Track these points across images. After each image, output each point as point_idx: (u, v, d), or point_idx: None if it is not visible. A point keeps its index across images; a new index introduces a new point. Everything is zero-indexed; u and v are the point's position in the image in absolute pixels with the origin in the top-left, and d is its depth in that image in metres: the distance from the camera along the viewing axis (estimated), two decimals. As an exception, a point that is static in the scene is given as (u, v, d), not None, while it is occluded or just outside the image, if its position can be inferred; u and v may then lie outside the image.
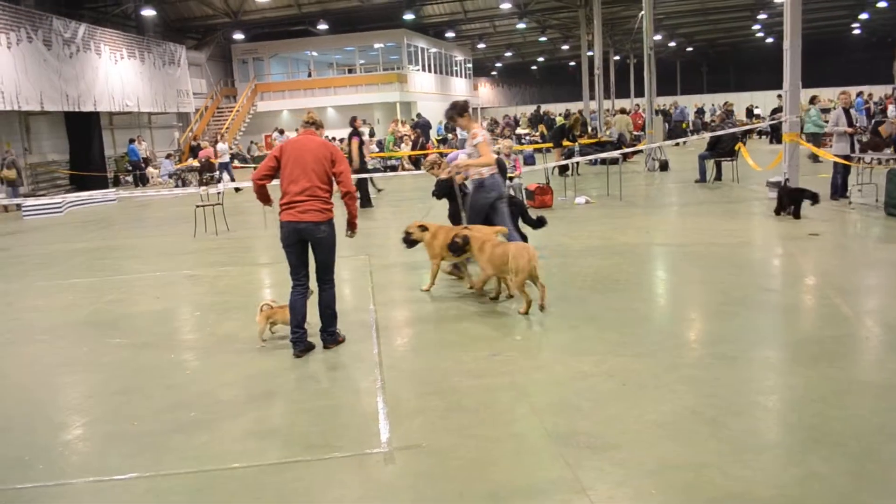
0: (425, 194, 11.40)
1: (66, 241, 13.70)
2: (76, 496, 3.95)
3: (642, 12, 21.41)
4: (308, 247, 5.83)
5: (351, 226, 6.01)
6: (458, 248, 7.15)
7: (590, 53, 36.09)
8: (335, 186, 5.86)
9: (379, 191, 18.46)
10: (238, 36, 37.91)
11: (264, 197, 6.06)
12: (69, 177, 26.01)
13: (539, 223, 9.31)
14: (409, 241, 7.78)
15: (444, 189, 9.53)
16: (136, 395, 5.30)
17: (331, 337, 5.97)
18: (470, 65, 55.12)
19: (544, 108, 45.77)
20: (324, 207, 5.73)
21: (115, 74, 27.21)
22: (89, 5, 29.46)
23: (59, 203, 18.96)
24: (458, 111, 7.84)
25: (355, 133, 15.74)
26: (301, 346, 5.83)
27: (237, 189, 18.46)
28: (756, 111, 38.57)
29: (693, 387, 4.77)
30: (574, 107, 40.09)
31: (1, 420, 5.03)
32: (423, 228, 7.73)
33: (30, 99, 22.09)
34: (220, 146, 22.88)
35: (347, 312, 7.17)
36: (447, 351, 5.76)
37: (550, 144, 21.64)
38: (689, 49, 60.16)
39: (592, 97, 35.37)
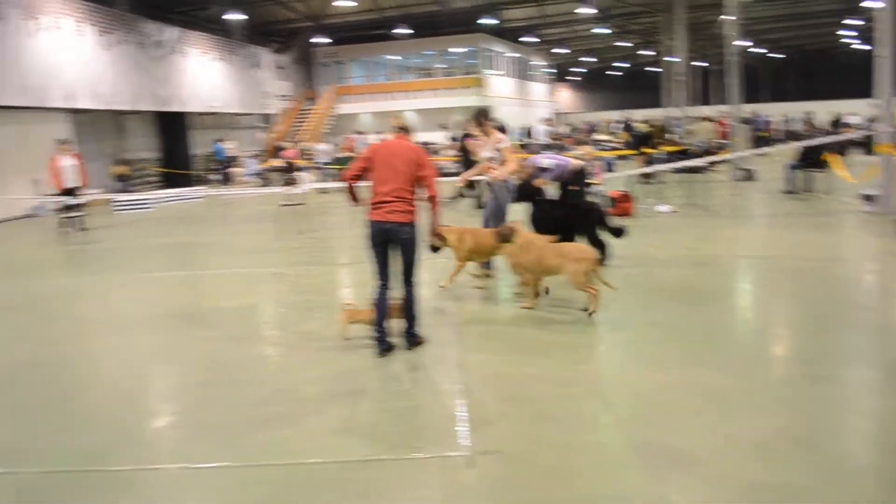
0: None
1: (156, 236, 14.22)
2: (168, 481, 4.11)
3: (726, 17, 20.91)
4: (392, 247, 5.91)
5: (435, 230, 6.19)
6: (505, 238, 7.13)
7: (672, 59, 35.45)
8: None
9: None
10: (320, 39, 38.63)
11: (353, 196, 6.17)
12: (159, 174, 26.97)
13: (618, 232, 9.18)
14: (434, 248, 7.61)
15: (525, 193, 9.51)
16: (224, 387, 5.46)
17: (412, 338, 6.03)
18: (549, 69, 54.85)
19: (624, 114, 45.14)
20: (409, 209, 5.83)
21: (202, 76, 28.10)
22: (180, 9, 30.48)
23: (150, 199, 19.68)
24: (480, 118, 8.19)
25: (469, 134, 16.03)
26: (383, 346, 5.91)
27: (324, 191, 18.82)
28: (849, 119, 37.08)
29: (784, 405, 4.64)
30: (654, 113, 39.44)
31: (98, 406, 5.26)
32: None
33: (124, 99, 23.01)
34: (322, 146, 23.29)
35: (428, 315, 7.23)
36: (529, 357, 5.74)
37: (633, 151, 21.33)
38: (775, 55, 58.41)
39: (674, 104, 34.70)
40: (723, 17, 20.64)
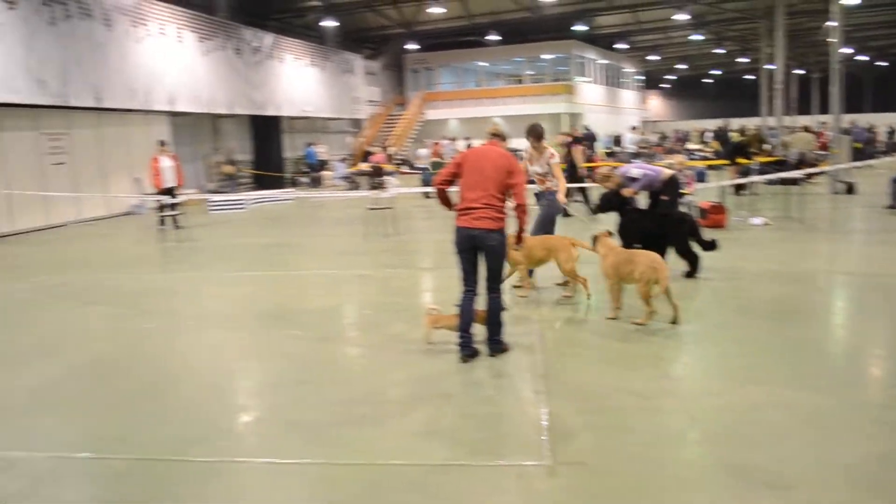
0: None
1: (248, 236, 14.67)
2: (255, 474, 4.22)
3: (830, 23, 20.11)
4: (479, 254, 5.91)
5: (519, 239, 6.07)
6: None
7: (770, 66, 34.35)
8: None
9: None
10: (411, 46, 39.12)
11: (445, 201, 6.19)
12: (252, 176, 27.83)
13: (710, 246, 8.94)
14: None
15: (611, 203, 9.37)
16: (311, 386, 5.58)
17: (496, 345, 6.01)
18: (640, 77, 53.99)
19: (719, 123, 43.96)
20: (497, 216, 5.81)
21: (296, 81, 28.84)
22: (276, 16, 31.39)
23: (243, 200, 20.32)
24: (536, 135, 8.46)
25: (577, 140, 16.08)
26: (467, 352, 5.92)
27: (427, 195, 19.10)
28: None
29: (881, 428, 4.42)
30: (750, 122, 38.27)
31: (190, 399, 5.45)
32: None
33: (221, 103, 23.83)
34: (422, 151, 23.58)
35: (513, 322, 7.21)
36: (614, 368, 5.65)
37: (725, 161, 20.75)
38: (881, 63, 55.85)
39: (771, 113, 33.59)
40: (828, 23, 19.84)
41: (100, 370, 6.22)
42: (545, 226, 8.47)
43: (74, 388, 5.75)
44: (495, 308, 5.96)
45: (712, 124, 45.23)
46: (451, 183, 6.07)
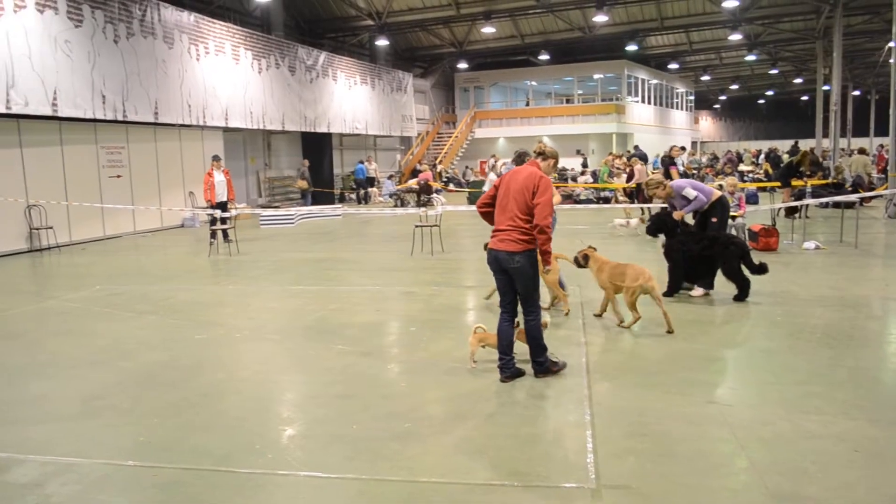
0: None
1: (296, 251, 14.87)
2: (298, 488, 4.25)
3: (890, 44, 19.67)
4: (510, 278, 5.87)
5: (543, 260, 5.84)
6: (580, 264, 7.97)
7: (826, 88, 33.75)
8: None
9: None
10: (461, 65, 39.40)
11: (489, 221, 6.16)
12: (301, 192, 28.24)
13: (760, 269, 8.77)
14: None
15: (660, 224, 9.27)
16: (355, 400, 5.62)
17: (540, 367, 5.96)
18: (692, 97, 53.49)
19: (770, 144, 43.26)
20: (520, 238, 5.72)
21: (347, 99, 29.25)
22: (330, 35, 31.97)
23: (292, 215, 20.63)
24: (522, 161, 8.36)
25: (672, 161, 16.07)
26: (507, 373, 5.90)
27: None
28: None
29: (942, 463, 4.27)
30: (804, 144, 37.63)
31: (237, 410, 5.53)
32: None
33: (273, 119, 24.28)
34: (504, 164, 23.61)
35: (557, 343, 7.18)
36: (659, 392, 5.57)
37: (777, 184, 20.39)
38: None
39: (826, 134, 32.96)
40: (891, 44, 19.41)
41: (151, 379, 6.35)
42: None
43: (126, 396, 5.88)
44: (531, 330, 5.91)
45: (762, 146, 44.55)
46: (491, 206, 6.04)
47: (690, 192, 9.04)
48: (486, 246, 6.21)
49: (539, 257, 5.80)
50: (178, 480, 4.32)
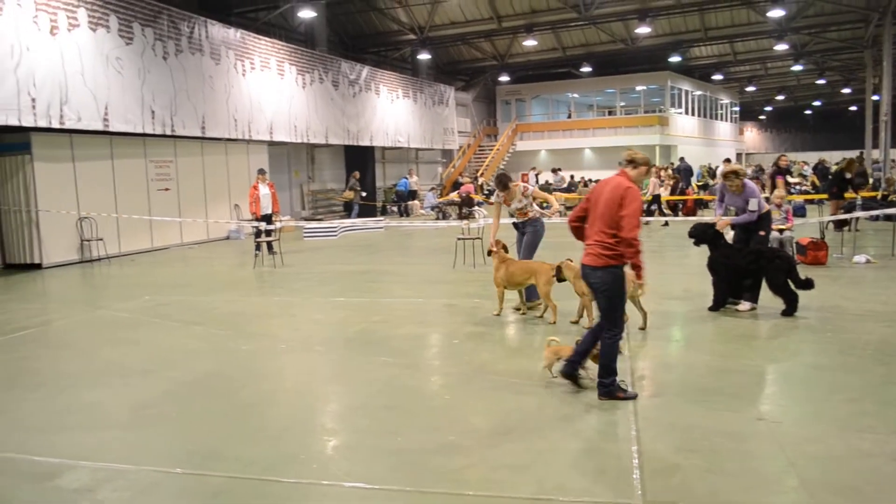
0: (681, 240, 11.05)
1: (340, 263, 14.99)
2: (343, 498, 4.28)
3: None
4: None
5: (636, 276, 5.71)
6: (560, 278, 8.19)
7: (875, 97, 33.07)
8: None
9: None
10: (503, 78, 39.45)
11: (580, 237, 6.05)
12: (343, 204, 28.52)
13: (806, 284, 8.58)
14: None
15: (702, 236, 9.13)
16: (399, 412, 5.64)
17: (603, 388, 5.73)
18: (737, 108, 52.78)
19: (818, 155, 42.49)
20: (602, 252, 5.60)
21: (390, 112, 29.48)
22: (373, 50, 32.31)
23: (335, 227, 20.82)
24: (503, 185, 8.96)
25: (780, 171, 15.94)
26: (566, 369, 5.83)
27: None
28: None
29: None
30: (852, 155, 36.84)
31: (283, 420, 5.59)
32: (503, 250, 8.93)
33: (317, 133, 24.57)
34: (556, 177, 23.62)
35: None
36: (708, 408, 5.48)
37: (825, 196, 20.00)
38: None
39: (876, 145, 32.25)
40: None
41: (198, 388, 6.46)
42: (530, 251, 9.22)
43: (174, 405, 5.99)
44: (604, 348, 5.72)
45: (812, 157, 43.75)
46: (582, 219, 5.93)
47: (754, 205, 8.74)
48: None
49: (614, 272, 5.66)
50: (225, 489, 4.38)
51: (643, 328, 7.95)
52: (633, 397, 5.72)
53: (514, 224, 9.57)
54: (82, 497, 4.32)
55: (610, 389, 5.71)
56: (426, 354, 7.63)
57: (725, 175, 9.04)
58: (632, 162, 5.81)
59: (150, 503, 4.24)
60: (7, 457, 4.96)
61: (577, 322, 8.34)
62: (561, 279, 8.21)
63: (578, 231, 6.01)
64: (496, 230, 9.17)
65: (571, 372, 5.89)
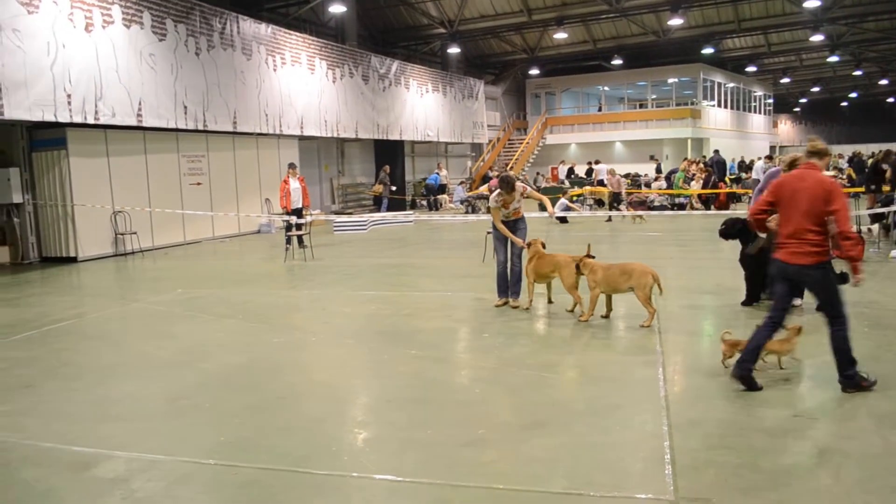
0: (713, 234, 10.90)
1: (369, 257, 15.05)
2: (374, 490, 4.29)
3: None
4: (794, 288, 5.78)
5: (852, 270, 5.58)
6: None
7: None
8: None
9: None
10: (533, 71, 39.26)
11: (762, 229, 6.13)
12: (373, 198, 28.62)
13: (841, 279, 8.40)
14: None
15: (733, 230, 9.00)
16: (430, 405, 5.65)
17: (849, 381, 5.58)
18: (770, 100, 52.01)
19: (854, 148, 41.78)
20: (811, 250, 5.48)
21: (419, 106, 29.50)
22: (403, 44, 32.33)
23: (365, 221, 20.90)
24: (510, 187, 8.95)
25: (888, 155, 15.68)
26: (737, 371, 5.66)
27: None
28: None
29: None
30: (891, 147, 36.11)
31: (314, 412, 5.63)
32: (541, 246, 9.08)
33: (347, 128, 24.67)
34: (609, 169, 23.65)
35: (633, 351, 7.08)
36: (742, 404, 5.41)
37: (861, 189, 19.64)
38: None
39: (915, 138, 31.59)
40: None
41: (230, 381, 6.52)
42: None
43: (207, 397, 6.05)
44: (838, 342, 5.58)
45: (847, 150, 43.05)
46: (767, 213, 5.87)
47: None
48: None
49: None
50: (257, 480, 4.42)
51: (646, 325, 7.85)
52: (874, 383, 5.62)
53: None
54: (117, 487, 4.38)
55: (854, 380, 5.58)
56: (456, 348, 7.64)
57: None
58: (817, 153, 5.71)
59: (183, 493, 4.29)
60: (46, 446, 5.05)
61: (606, 316, 8.31)
62: (581, 273, 8.24)
63: (761, 223, 6.07)
64: (505, 229, 9.22)
65: (743, 374, 5.66)
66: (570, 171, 33.56)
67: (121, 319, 9.57)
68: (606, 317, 8.31)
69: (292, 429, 5.27)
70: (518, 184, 9.19)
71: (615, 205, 22.21)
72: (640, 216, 20.32)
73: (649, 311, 7.85)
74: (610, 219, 20.92)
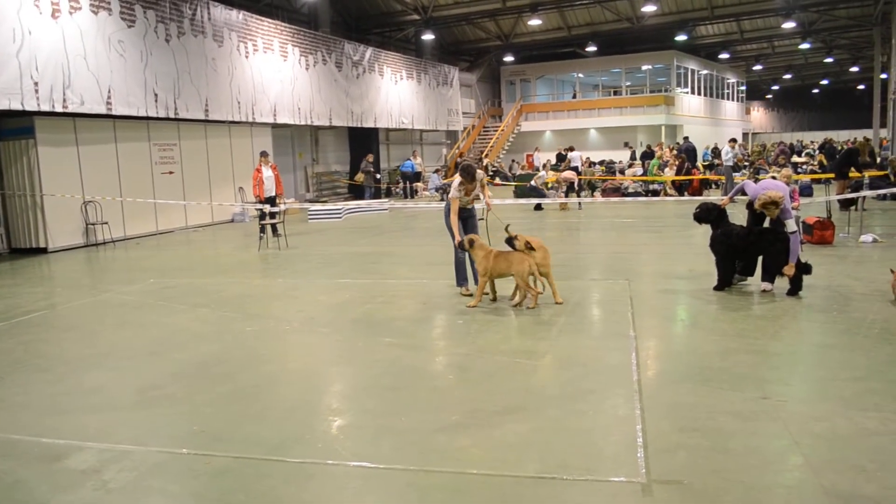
0: (687, 221, 10.98)
1: (344, 245, 15.00)
2: (348, 477, 4.29)
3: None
4: None
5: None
6: (464, 249, 8.72)
7: (884, 76, 32.82)
8: None
9: None
10: (508, 58, 39.23)
11: None
12: (347, 186, 28.50)
13: (805, 269, 8.49)
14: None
15: (709, 215, 9.06)
16: (404, 392, 5.65)
17: None
18: (743, 87, 52.43)
19: (825, 135, 42.25)
20: None
21: (394, 94, 29.37)
22: (376, 30, 32.14)
23: (339, 209, 20.81)
24: (471, 177, 9.02)
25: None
26: None
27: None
28: None
29: None
30: (860, 134, 36.59)
31: (288, 401, 5.61)
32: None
33: (321, 115, 24.51)
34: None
35: (605, 336, 7.13)
36: (711, 387, 5.48)
37: (832, 175, 19.89)
38: None
39: (884, 124, 32.04)
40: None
41: (204, 370, 6.47)
42: (476, 230, 9.44)
43: (180, 387, 6.01)
44: None
45: (819, 136, 43.53)
46: None
47: (791, 226, 8.40)
48: None
49: None
50: (230, 468, 4.40)
51: (522, 305, 8.30)
52: None
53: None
54: (88, 478, 4.34)
55: None
56: (430, 335, 7.64)
57: (765, 205, 8.46)
58: None
59: (156, 483, 4.26)
60: (15, 438, 4.99)
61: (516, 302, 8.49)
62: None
63: None
64: (457, 223, 9.19)
65: None
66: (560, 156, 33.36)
67: (92, 310, 9.46)
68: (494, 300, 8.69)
69: (266, 417, 5.25)
70: (479, 172, 9.28)
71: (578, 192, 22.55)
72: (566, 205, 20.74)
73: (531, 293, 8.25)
74: (580, 206, 21.11)
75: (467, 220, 9.40)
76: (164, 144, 18.65)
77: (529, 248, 8.40)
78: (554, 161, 30.48)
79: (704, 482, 4.00)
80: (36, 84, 14.05)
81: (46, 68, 14.26)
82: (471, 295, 8.97)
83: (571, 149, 27.14)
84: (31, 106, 14.02)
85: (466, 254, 9.20)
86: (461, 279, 9.47)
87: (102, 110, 15.71)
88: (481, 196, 9.44)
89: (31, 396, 5.93)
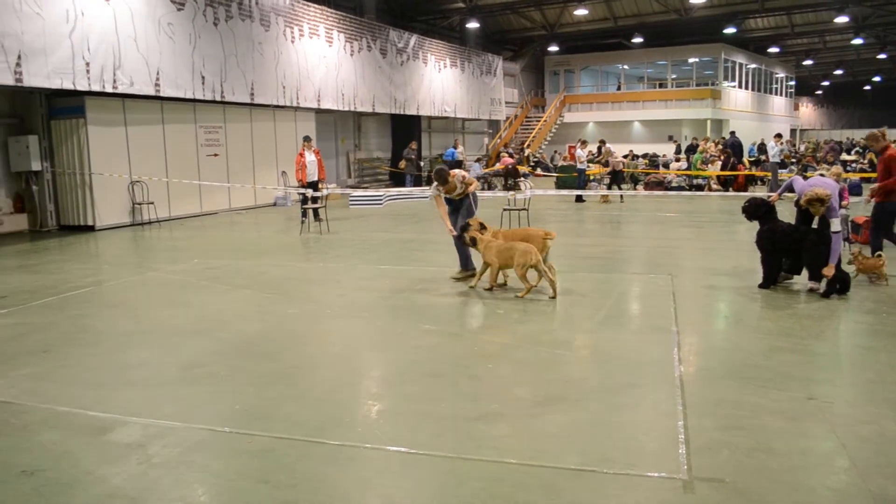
0: (731, 216, 10.81)
1: (385, 231, 15.05)
2: (388, 462, 4.31)
3: None
4: None
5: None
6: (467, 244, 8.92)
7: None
8: None
9: None
10: (552, 48, 38.89)
11: None
12: (388, 173, 28.56)
13: (843, 278, 8.25)
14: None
15: (758, 211, 8.89)
16: (443, 379, 5.66)
17: None
18: (792, 82, 51.34)
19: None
20: None
21: (437, 81, 29.31)
22: (421, 18, 32.06)
23: (380, 196, 20.88)
24: (443, 180, 9.27)
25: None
26: None
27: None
28: None
29: None
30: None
31: (328, 383, 5.66)
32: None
33: (364, 101, 24.57)
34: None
35: (648, 331, 7.06)
36: (756, 385, 5.39)
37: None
38: None
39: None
40: None
41: (247, 350, 6.56)
42: (469, 214, 9.56)
43: (223, 365, 6.09)
44: None
45: (860, 135, 42.51)
46: None
47: (836, 225, 8.16)
48: None
49: None
50: (271, 448, 4.45)
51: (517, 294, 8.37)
52: None
53: (447, 200, 9.79)
54: (133, 452, 4.43)
55: None
56: (470, 323, 7.64)
57: (810, 202, 8.25)
58: None
59: (198, 460, 4.33)
60: (62, 410, 5.11)
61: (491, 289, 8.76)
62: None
63: None
64: (445, 215, 9.60)
65: None
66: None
67: (138, 288, 9.64)
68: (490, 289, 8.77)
69: (307, 398, 5.30)
70: (457, 172, 9.68)
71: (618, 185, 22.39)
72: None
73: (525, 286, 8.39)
74: (622, 199, 20.87)
75: (458, 208, 9.71)
76: (209, 127, 18.88)
77: (482, 227, 9.00)
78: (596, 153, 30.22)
79: (747, 481, 3.94)
80: (87, 64, 14.30)
81: (98, 49, 14.50)
82: (460, 279, 9.40)
83: (603, 142, 26.83)
84: (82, 86, 14.28)
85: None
86: (465, 264, 9.74)
87: (151, 91, 15.94)
88: (461, 187, 9.67)
89: (78, 370, 6.06)
